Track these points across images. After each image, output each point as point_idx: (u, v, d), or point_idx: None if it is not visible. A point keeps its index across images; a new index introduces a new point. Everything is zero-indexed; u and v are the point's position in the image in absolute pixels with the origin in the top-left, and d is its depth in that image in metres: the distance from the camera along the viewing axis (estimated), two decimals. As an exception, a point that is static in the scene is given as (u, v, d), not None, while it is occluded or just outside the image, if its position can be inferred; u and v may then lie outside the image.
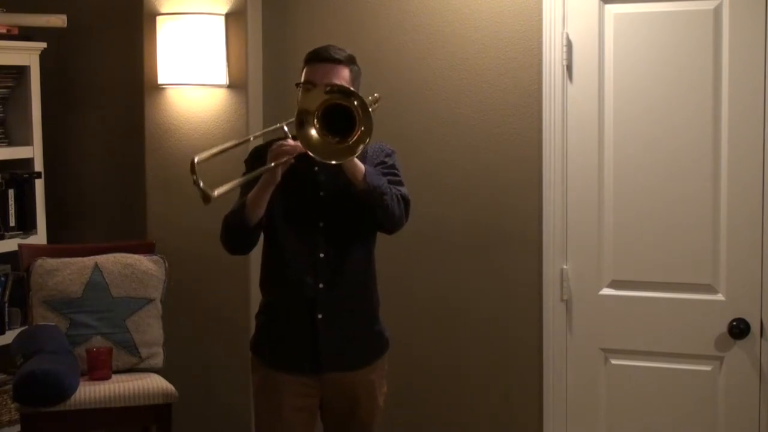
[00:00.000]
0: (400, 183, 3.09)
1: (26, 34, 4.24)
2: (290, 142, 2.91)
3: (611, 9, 3.62)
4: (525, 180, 3.79)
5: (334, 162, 2.85)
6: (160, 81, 4.09)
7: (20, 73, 4.26)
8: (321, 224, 3.05)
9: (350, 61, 3.08)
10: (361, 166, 2.94)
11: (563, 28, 3.68)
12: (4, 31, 4.15)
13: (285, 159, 2.90)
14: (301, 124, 2.83)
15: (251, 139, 3.12)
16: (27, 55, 4.24)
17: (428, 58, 3.91)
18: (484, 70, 3.84)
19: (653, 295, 3.63)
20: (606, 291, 3.70)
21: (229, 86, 4.08)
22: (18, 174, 4.22)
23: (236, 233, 3.03)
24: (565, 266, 3.74)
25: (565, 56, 3.68)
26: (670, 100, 3.58)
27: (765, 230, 3.48)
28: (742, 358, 3.54)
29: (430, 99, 3.92)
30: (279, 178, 2.93)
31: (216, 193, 2.73)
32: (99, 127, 4.55)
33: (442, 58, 3.89)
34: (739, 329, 3.50)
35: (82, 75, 4.56)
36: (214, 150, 2.91)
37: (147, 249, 4.05)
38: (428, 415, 3.99)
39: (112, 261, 3.92)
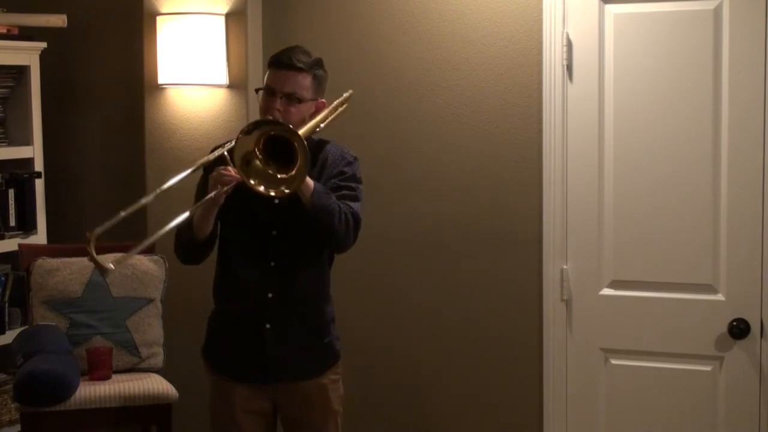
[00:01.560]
0: (355, 198, 3.04)
1: (26, 34, 4.24)
2: (231, 171, 2.87)
3: (611, 9, 3.62)
4: (525, 180, 3.79)
5: (273, 194, 2.82)
6: (160, 81, 4.09)
7: (20, 73, 4.26)
8: (274, 233, 3.02)
9: (313, 67, 3.03)
10: (310, 183, 2.91)
11: (563, 28, 3.68)
12: (4, 31, 4.15)
13: (224, 190, 2.87)
14: (246, 163, 2.81)
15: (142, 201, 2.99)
16: (27, 55, 4.24)
17: (428, 58, 3.91)
18: (484, 70, 3.83)
19: (653, 295, 3.63)
20: (606, 291, 3.70)
21: (229, 86, 4.08)
22: (18, 174, 4.22)
23: (186, 247, 3.08)
24: (565, 266, 3.74)
25: (565, 56, 3.68)
26: (670, 100, 3.57)
27: (765, 230, 3.48)
28: (742, 358, 3.54)
29: (429, 99, 3.92)
30: (222, 201, 2.92)
31: (112, 266, 2.84)
32: (99, 126, 4.56)
33: (442, 58, 3.89)
34: (739, 329, 3.50)
35: (82, 75, 4.56)
36: (113, 220, 2.88)
37: (147, 249, 4.04)
38: (428, 414, 3.99)
39: (112, 261, 3.91)
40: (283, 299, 3.03)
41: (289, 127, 2.82)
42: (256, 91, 3.08)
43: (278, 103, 2.98)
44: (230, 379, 3.08)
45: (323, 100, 3.10)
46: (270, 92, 3.00)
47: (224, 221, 3.06)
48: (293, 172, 2.79)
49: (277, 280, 3.02)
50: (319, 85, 3.06)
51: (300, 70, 3.00)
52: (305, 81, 3.01)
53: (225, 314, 3.13)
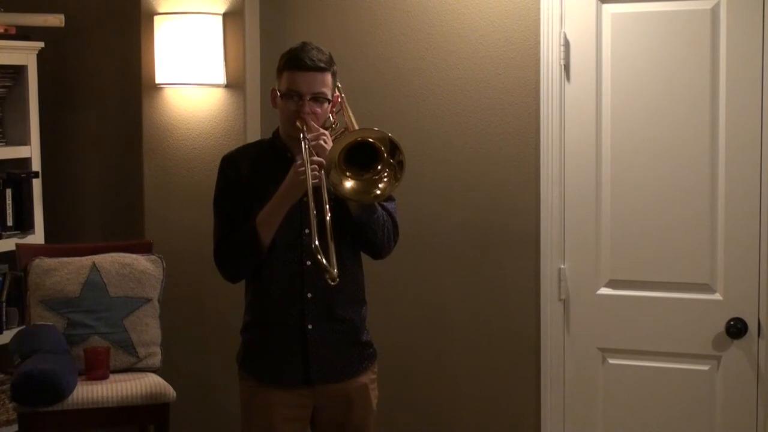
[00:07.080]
0: (390, 198, 3.01)
1: (24, 33, 4.24)
2: (317, 161, 2.81)
3: (609, 8, 3.62)
4: (523, 179, 3.79)
5: (355, 200, 2.83)
6: (157, 81, 4.09)
7: (18, 72, 4.25)
8: (306, 231, 2.96)
9: (331, 63, 2.98)
10: None
11: (561, 28, 3.68)
12: (1, 30, 4.14)
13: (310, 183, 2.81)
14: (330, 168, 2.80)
15: None
16: (25, 54, 4.24)
17: (426, 58, 3.91)
18: (482, 70, 3.84)
19: (651, 295, 3.63)
20: (604, 290, 3.70)
21: (227, 86, 4.08)
22: (15, 173, 4.21)
23: (247, 259, 2.98)
24: (562, 265, 3.74)
25: (562, 56, 3.68)
26: (667, 100, 3.58)
27: (762, 229, 3.48)
28: (739, 358, 3.54)
29: (427, 98, 3.92)
30: (298, 197, 2.88)
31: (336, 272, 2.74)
32: (97, 126, 4.55)
33: (440, 58, 3.89)
34: (736, 329, 3.50)
35: (79, 74, 4.56)
36: None
37: (144, 248, 4.05)
38: (426, 414, 3.99)
39: (109, 260, 3.92)
40: (322, 298, 2.97)
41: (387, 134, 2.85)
42: (275, 95, 3.00)
43: (308, 106, 2.93)
44: (272, 387, 3.01)
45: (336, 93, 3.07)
46: (296, 96, 2.93)
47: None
48: (379, 174, 2.82)
49: (315, 279, 2.93)
50: (335, 80, 3.02)
51: (323, 69, 2.94)
52: (328, 79, 2.96)
53: (263, 321, 3.04)
